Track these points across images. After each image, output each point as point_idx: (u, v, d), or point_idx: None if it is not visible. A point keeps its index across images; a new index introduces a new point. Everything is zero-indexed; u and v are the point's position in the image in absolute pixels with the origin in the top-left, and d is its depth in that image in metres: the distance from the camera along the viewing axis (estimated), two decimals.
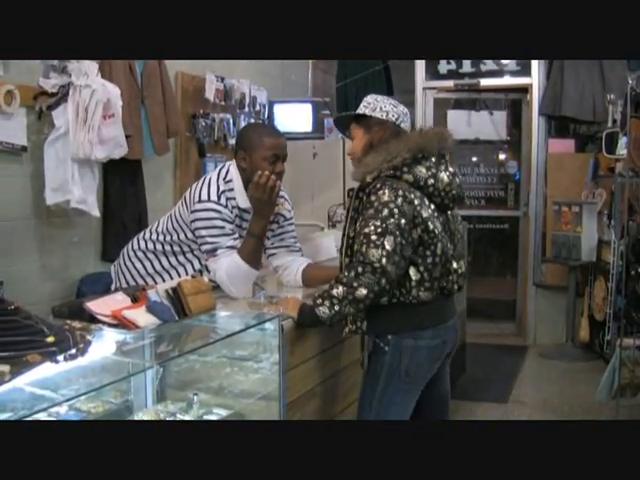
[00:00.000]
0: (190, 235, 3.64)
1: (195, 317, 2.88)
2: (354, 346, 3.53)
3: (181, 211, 3.69)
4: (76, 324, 2.54)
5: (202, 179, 3.68)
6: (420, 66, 8.36)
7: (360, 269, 2.96)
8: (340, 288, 2.98)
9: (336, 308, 3.00)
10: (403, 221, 3.00)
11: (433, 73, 8.37)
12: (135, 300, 2.81)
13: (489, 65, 8.19)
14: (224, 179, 3.63)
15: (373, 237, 2.98)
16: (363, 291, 2.96)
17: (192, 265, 3.73)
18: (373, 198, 3.05)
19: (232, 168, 3.68)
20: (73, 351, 2.27)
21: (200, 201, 3.55)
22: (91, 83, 4.26)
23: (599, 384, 5.39)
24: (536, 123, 8.08)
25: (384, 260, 2.95)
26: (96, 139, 4.28)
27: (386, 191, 3.03)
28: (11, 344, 2.11)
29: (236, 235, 3.59)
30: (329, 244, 4.45)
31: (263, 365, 3.17)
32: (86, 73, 4.27)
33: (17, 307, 2.22)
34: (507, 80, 8.21)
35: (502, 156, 8.73)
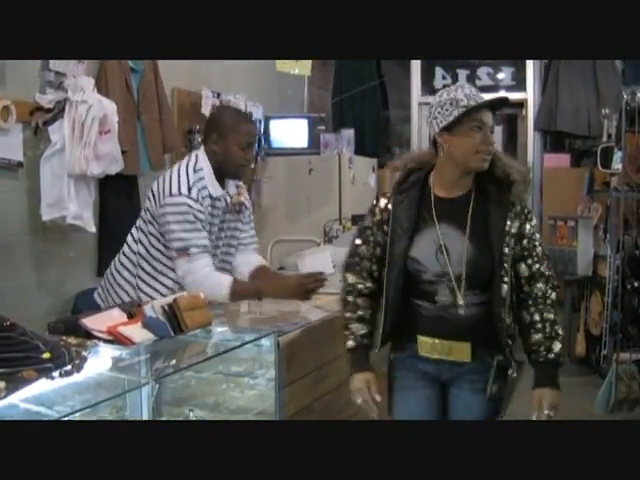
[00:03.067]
0: (159, 235, 3.56)
1: (191, 333, 2.87)
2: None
3: (150, 208, 3.57)
4: (72, 340, 2.54)
5: (169, 171, 3.56)
6: (415, 81, 8.40)
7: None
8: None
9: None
10: None
11: (428, 88, 8.40)
12: (131, 316, 2.80)
13: (484, 80, 8.23)
14: (194, 169, 3.52)
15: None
16: None
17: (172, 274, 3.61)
18: (535, 221, 2.95)
19: (201, 156, 3.58)
20: (69, 367, 2.27)
21: (171, 195, 3.44)
22: (87, 99, 4.27)
23: (596, 399, 5.39)
24: (531, 138, 8.13)
25: None
26: (92, 155, 4.28)
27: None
28: (7, 360, 2.11)
29: (205, 234, 3.50)
30: (325, 260, 4.45)
31: (259, 381, 3.16)
32: (82, 89, 4.29)
33: (13, 323, 2.21)
34: (502, 95, 8.23)
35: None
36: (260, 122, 6.74)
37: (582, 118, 7.76)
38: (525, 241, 2.87)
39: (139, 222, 3.69)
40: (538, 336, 2.86)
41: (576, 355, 7.32)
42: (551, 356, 2.86)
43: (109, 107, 4.40)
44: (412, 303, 2.90)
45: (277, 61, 6.62)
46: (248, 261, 3.85)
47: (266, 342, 3.05)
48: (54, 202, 4.30)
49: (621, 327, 5.83)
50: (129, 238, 3.72)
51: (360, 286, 2.99)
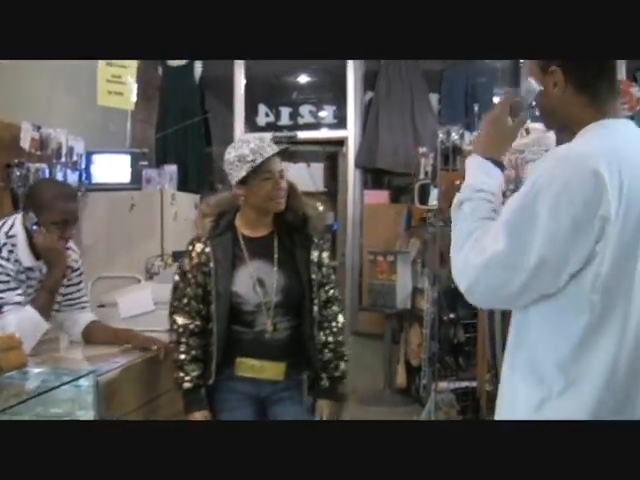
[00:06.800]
0: None
1: (6, 375, 2.78)
2: (172, 401, 3.50)
3: None
4: None
5: None
6: (239, 118, 8.47)
7: None
8: None
9: None
10: None
11: (252, 125, 8.49)
12: None
13: (307, 118, 8.39)
14: (6, 234, 3.41)
15: None
16: None
17: None
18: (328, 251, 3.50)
19: (17, 223, 3.46)
20: None
21: None
22: None
23: None
24: (352, 175, 8.32)
25: None
26: None
27: None
28: None
29: (21, 290, 3.40)
30: (146, 297, 4.37)
31: None
32: None
33: None
34: (324, 133, 8.43)
35: (319, 207, 8.91)
36: (81, 157, 6.61)
37: (400, 156, 7.99)
38: (324, 269, 3.37)
39: None
40: (330, 355, 3.35)
41: (397, 386, 7.50)
42: (337, 374, 3.36)
43: None
44: (233, 330, 3.25)
45: (99, 95, 6.53)
46: (76, 320, 3.76)
47: (85, 382, 2.98)
48: None
49: (439, 357, 6.04)
50: None
51: (191, 326, 3.27)
